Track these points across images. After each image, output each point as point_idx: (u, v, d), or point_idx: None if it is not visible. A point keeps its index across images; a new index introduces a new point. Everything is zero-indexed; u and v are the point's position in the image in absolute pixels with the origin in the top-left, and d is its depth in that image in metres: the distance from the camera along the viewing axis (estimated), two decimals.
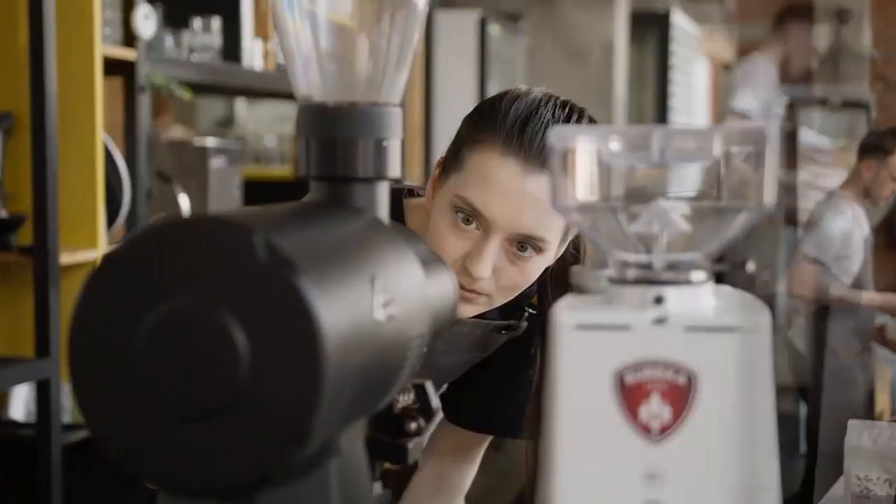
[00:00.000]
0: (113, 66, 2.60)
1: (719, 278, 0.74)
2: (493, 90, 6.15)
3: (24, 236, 2.37)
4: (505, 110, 1.27)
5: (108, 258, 0.63)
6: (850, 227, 4.46)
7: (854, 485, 1.93)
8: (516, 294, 1.31)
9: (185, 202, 2.94)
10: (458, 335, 1.41)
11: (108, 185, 2.53)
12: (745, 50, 9.75)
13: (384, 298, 0.69)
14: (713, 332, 0.67)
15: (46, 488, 2.32)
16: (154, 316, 0.61)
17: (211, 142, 3.18)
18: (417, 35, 0.84)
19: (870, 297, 4.53)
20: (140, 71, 2.62)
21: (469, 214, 1.25)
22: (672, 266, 0.71)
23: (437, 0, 4.82)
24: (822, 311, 4.48)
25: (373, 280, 0.68)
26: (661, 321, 0.68)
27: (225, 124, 5.31)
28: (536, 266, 1.29)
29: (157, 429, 0.61)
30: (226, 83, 3.15)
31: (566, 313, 0.69)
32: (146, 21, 2.61)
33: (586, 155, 0.71)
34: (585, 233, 0.72)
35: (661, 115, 7.32)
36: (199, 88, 3.20)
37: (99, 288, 0.63)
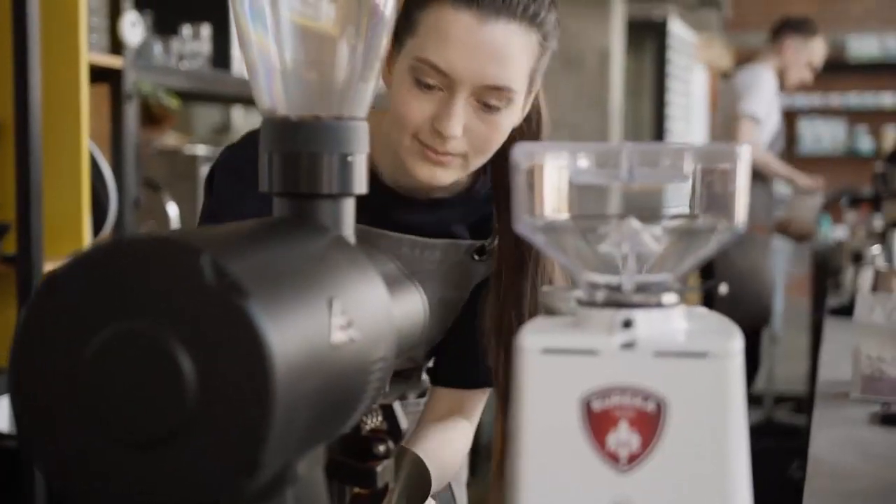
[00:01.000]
0: (100, 74, 2.57)
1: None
2: None
3: (8, 245, 2.35)
4: None
5: (52, 278, 0.61)
6: (775, 92, 4.56)
7: (865, 365, 1.84)
8: (490, 153, 1.28)
9: (173, 211, 2.91)
10: (432, 263, 1.37)
11: (94, 193, 2.50)
12: (742, 58, 9.75)
13: (343, 321, 0.67)
14: (683, 357, 0.65)
15: (31, 499, 2.29)
16: (99, 339, 0.59)
17: (202, 150, 3.16)
18: (384, 44, 0.82)
19: (782, 166, 4.69)
20: (127, 78, 2.60)
21: (430, 75, 1.22)
22: (642, 287, 0.69)
23: None
24: None
25: (331, 302, 0.66)
26: (629, 346, 0.66)
27: (221, 131, 5.29)
28: (506, 120, 1.26)
29: (101, 455, 0.59)
30: (215, 91, 3.13)
31: (531, 337, 0.67)
32: (133, 28, 2.59)
33: (553, 172, 0.69)
34: (552, 253, 0.70)
35: (659, 123, 7.30)
36: (189, 96, 3.18)
37: (43, 309, 0.60)
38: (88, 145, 2.46)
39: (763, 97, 4.47)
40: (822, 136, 9.91)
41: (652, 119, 7.28)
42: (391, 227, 1.36)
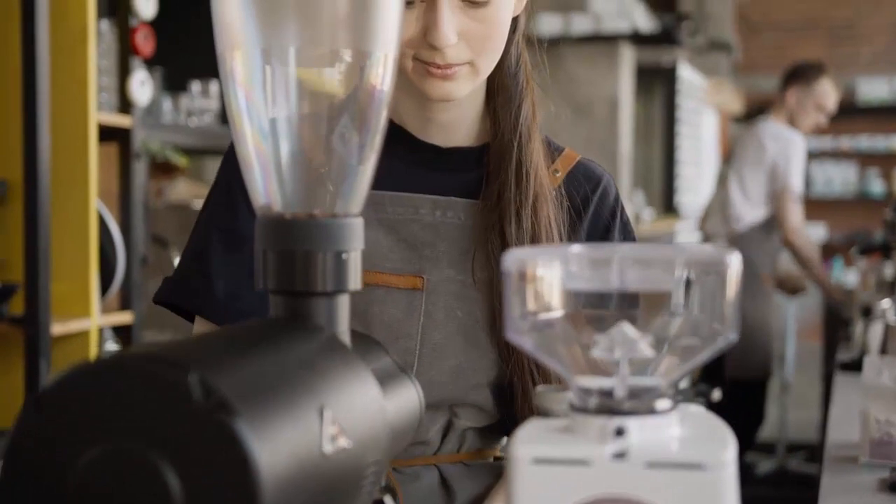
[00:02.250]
0: (109, 133, 2.59)
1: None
2: None
3: (16, 306, 2.35)
4: None
5: (40, 396, 0.61)
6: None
7: (873, 429, 1.80)
8: (496, 52, 1.20)
9: None
10: (454, 227, 1.26)
11: (102, 252, 2.51)
12: (752, 101, 9.78)
13: (334, 430, 0.66)
14: (676, 468, 0.64)
15: None
16: (86, 459, 0.59)
17: None
18: (378, 140, 0.82)
19: (821, 268, 4.70)
20: (135, 137, 2.61)
21: None
22: (635, 394, 0.68)
23: None
24: (746, 235, 4.52)
25: (322, 411, 0.66)
26: (621, 456, 0.65)
27: None
28: (500, 12, 1.18)
29: None
30: (223, 147, 3.14)
31: (523, 446, 0.66)
32: (142, 87, 2.60)
33: (543, 278, 0.69)
34: (543, 358, 0.69)
35: (668, 168, 7.30)
36: (198, 150, 3.20)
37: (30, 427, 0.60)
38: (97, 205, 2.47)
39: (802, 168, 4.50)
40: (833, 178, 9.90)
41: (662, 164, 7.29)
42: (411, 188, 1.27)
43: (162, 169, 3.35)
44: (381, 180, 1.27)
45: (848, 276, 8.74)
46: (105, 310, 2.61)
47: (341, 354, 0.74)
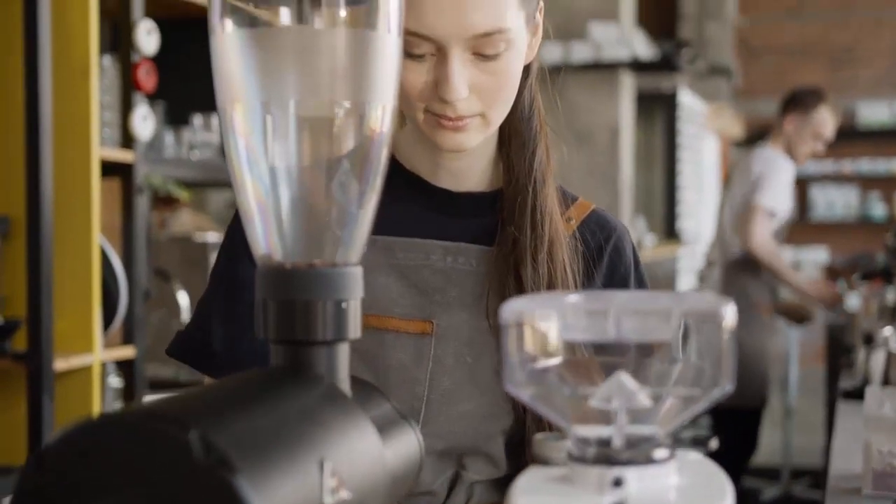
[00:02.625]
0: (111, 168, 2.60)
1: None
2: None
3: (19, 342, 2.36)
4: None
5: (41, 454, 0.61)
6: (791, 181, 4.53)
7: (876, 460, 1.79)
8: (508, 102, 1.19)
9: (184, 300, 2.93)
10: (466, 273, 1.24)
11: (104, 287, 2.52)
12: (752, 125, 9.80)
13: (334, 482, 0.67)
14: None
15: None
16: None
17: (213, 237, 3.18)
18: (377, 188, 0.83)
19: (792, 275, 4.63)
20: (138, 172, 2.62)
21: (416, 45, 1.13)
22: (632, 443, 0.69)
23: None
24: (740, 262, 4.51)
25: (321, 464, 0.66)
26: None
27: (233, 206, 5.32)
28: (512, 64, 1.16)
29: None
30: (225, 180, 3.16)
31: (522, 497, 0.67)
32: (144, 122, 2.62)
33: (541, 328, 0.69)
34: (540, 408, 0.70)
35: (670, 193, 7.32)
36: (200, 182, 3.21)
37: (33, 485, 0.61)
38: (99, 241, 2.48)
39: (781, 189, 4.47)
40: (834, 202, 9.92)
41: (663, 190, 7.31)
42: (423, 234, 1.27)
43: (165, 200, 3.37)
44: (394, 226, 1.28)
45: (850, 299, 8.75)
46: (107, 344, 2.61)
47: (341, 404, 0.74)
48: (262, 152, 0.79)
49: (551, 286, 1.22)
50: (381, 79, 0.80)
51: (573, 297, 0.72)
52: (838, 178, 9.96)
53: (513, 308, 0.70)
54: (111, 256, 2.54)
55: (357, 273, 0.81)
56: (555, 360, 0.71)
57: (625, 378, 0.69)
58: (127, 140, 2.62)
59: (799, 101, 4.57)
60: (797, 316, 4.98)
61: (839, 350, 4.65)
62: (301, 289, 0.78)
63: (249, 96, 0.78)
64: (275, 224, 0.80)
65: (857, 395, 2.78)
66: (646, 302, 0.70)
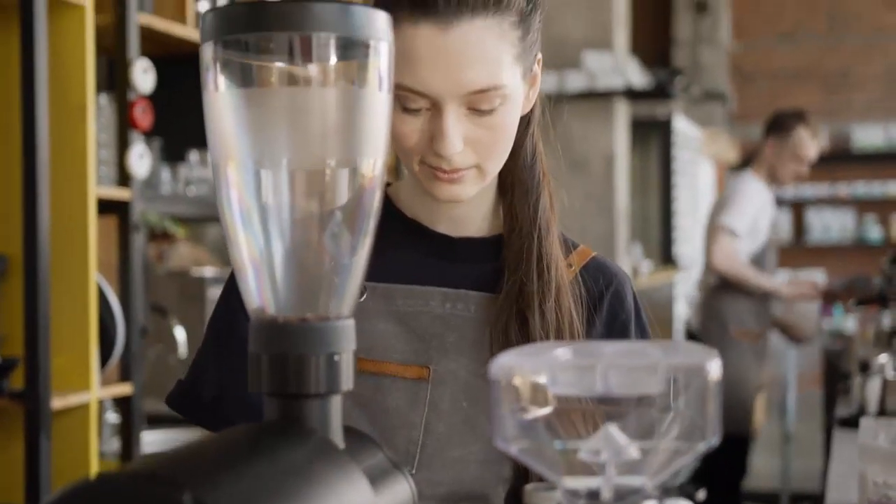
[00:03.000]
0: (108, 205, 2.61)
1: None
2: None
3: (16, 380, 2.37)
4: None
5: None
6: (763, 204, 4.51)
7: (871, 491, 1.79)
8: (503, 154, 1.20)
9: (181, 335, 2.93)
10: (465, 319, 1.25)
11: (101, 324, 2.53)
12: (748, 150, 9.85)
13: None
14: None
15: None
16: None
17: (210, 271, 3.19)
18: (369, 239, 0.84)
19: (763, 278, 4.47)
20: (134, 209, 2.64)
21: (412, 100, 1.14)
22: (621, 495, 0.70)
23: None
24: (719, 287, 4.48)
25: None
26: None
27: None
28: (507, 117, 1.17)
29: None
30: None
31: None
32: (141, 160, 2.63)
33: (530, 384, 0.70)
34: (529, 461, 0.71)
35: (666, 219, 7.34)
36: (197, 218, 3.22)
37: None
38: (96, 278, 2.49)
39: (745, 210, 4.44)
40: (830, 225, 9.95)
41: (659, 215, 7.33)
42: (423, 280, 1.27)
43: (163, 234, 3.38)
44: (394, 272, 1.28)
45: (847, 322, 8.75)
46: (105, 381, 2.62)
47: (333, 458, 0.75)
48: (255, 208, 0.80)
49: (559, 334, 1.22)
50: (373, 135, 0.82)
51: (562, 352, 0.73)
52: (834, 202, 9.99)
53: (502, 364, 0.71)
54: (108, 294, 2.55)
55: (349, 326, 0.82)
56: (544, 413, 0.72)
57: (613, 430, 0.70)
58: (123, 178, 2.64)
59: (777, 124, 4.56)
60: (796, 335, 4.97)
61: (836, 375, 4.66)
62: (293, 343, 0.79)
63: (242, 154, 0.79)
64: (267, 278, 0.81)
65: (853, 422, 2.79)
66: (633, 356, 0.71)
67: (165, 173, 2.92)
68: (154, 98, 2.74)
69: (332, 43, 0.78)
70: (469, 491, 1.24)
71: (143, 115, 2.62)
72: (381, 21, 0.80)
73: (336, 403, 0.81)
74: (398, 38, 1.14)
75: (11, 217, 2.42)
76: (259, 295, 0.82)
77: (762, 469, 6.52)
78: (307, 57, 0.79)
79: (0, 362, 2.35)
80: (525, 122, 1.25)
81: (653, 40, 9.51)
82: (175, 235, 3.28)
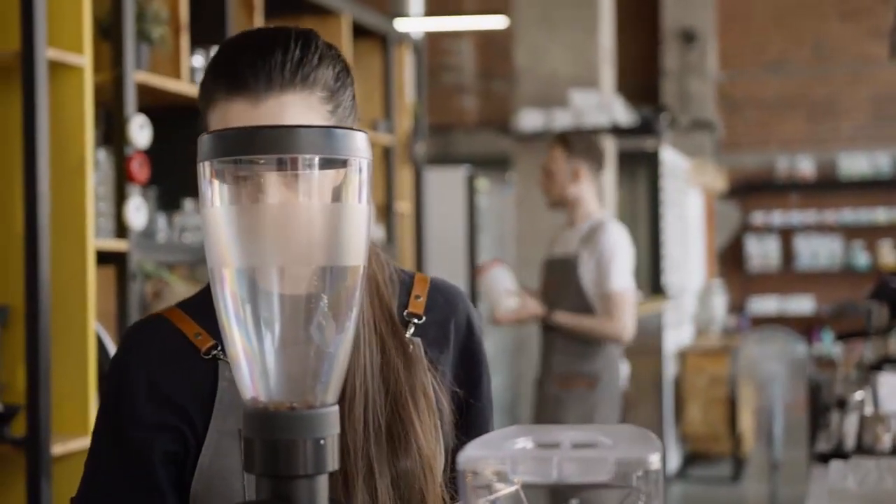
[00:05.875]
0: (106, 256, 2.70)
1: None
2: (483, 242, 6.30)
3: (17, 427, 2.45)
4: (216, 58, 1.26)
5: None
6: None
7: None
8: None
9: None
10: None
11: (100, 371, 2.61)
12: (736, 179, 9.96)
13: None
14: None
15: None
16: None
17: None
18: (350, 336, 0.93)
19: (563, 316, 3.88)
20: (131, 259, 2.73)
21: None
22: None
23: (429, 157, 4.96)
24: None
25: None
26: None
27: None
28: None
29: None
30: None
31: None
32: (138, 213, 2.72)
33: (492, 473, 0.79)
34: None
35: (655, 249, 7.43)
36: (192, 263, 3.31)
37: None
38: (95, 327, 2.58)
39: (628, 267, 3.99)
40: (818, 252, 10.06)
41: (648, 246, 7.42)
42: None
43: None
44: None
45: (835, 348, 8.84)
46: None
47: None
48: (247, 308, 0.90)
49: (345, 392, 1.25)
50: (353, 240, 0.91)
51: (521, 443, 0.82)
52: (822, 229, 10.11)
53: (469, 456, 0.80)
54: (106, 342, 2.63)
55: (333, 412, 0.91)
56: (507, 494, 0.81)
57: None
58: (121, 230, 2.73)
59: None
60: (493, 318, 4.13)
61: (820, 404, 4.72)
62: (283, 429, 0.89)
63: (237, 263, 0.89)
64: (259, 371, 0.90)
65: (831, 457, 2.86)
66: (584, 452, 0.80)
67: (161, 221, 3.01)
68: (150, 149, 2.83)
69: (316, 162, 0.88)
70: None
71: (139, 169, 2.72)
72: (359, 141, 0.90)
73: (323, 483, 0.90)
74: (218, 113, 1.24)
75: (13, 268, 2.50)
76: (252, 386, 0.91)
77: (751, 496, 6.60)
78: (294, 175, 0.88)
79: (2, 410, 2.43)
80: None
81: (641, 71, 9.64)
82: (169, 283, 3.36)
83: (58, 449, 2.45)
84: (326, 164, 0.89)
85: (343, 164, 0.90)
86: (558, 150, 3.94)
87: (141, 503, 1.26)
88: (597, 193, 4.01)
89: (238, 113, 1.22)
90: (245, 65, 1.22)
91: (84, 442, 2.55)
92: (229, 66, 1.23)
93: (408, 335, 1.32)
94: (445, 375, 1.34)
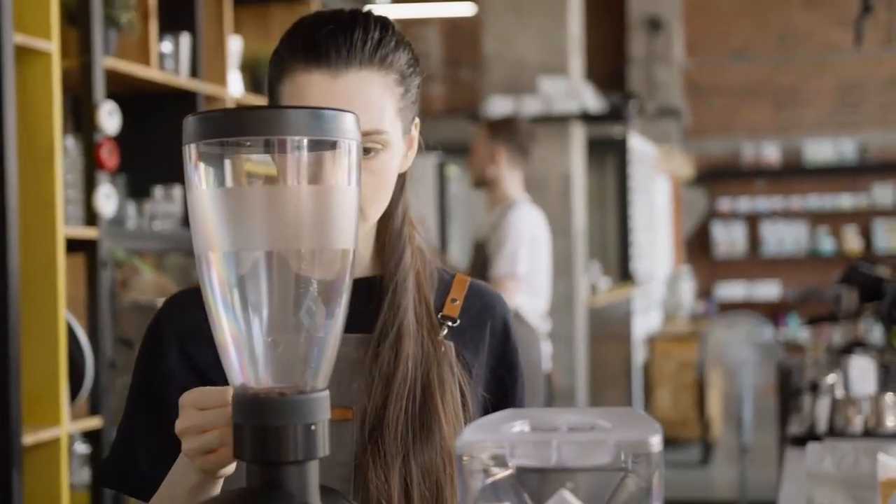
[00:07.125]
0: (76, 244, 2.67)
1: None
2: (453, 230, 6.29)
3: None
4: (293, 31, 1.26)
5: None
6: None
7: None
8: (384, 200, 1.26)
9: None
10: (349, 361, 1.26)
11: (71, 360, 2.58)
12: (702, 165, 9.99)
13: None
14: None
15: None
16: None
17: None
18: (341, 316, 0.92)
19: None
20: (102, 247, 2.69)
21: None
22: None
23: None
24: None
25: None
26: None
27: (194, 266, 5.36)
28: (387, 164, 1.24)
29: None
30: (187, 248, 3.23)
31: None
32: (107, 200, 2.69)
33: (490, 457, 0.78)
34: None
35: (623, 235, 7.45)
36: (162, 251, 3.28)
37: None
38: (65, 315, 2.55)
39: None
40: (784, 238, 10.12)
41: (616, 233, 7.44)
42: None
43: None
44: None
45: (802, 332, 8.90)
46: (74, 415, 2.67)
47: None
48: (235, 292, 0.88)
49: (391, 375, 1.25)
50: (342, 223, 0.89)
51: (518, 427, 0.81)
52: (788, 215, 10.17)
53: (466, 440, 0.78)
54: (77, 330, 2.60)
55: (324, 398, 0.89)
56: (504, 478, 0.80)
57: (567, 495, 0.78)
58: (91, 217, 2.69)
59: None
60: None
61: (790, 389, 4.74)
62: (273, 415, 0.87)
63: (223, 246, 0.87)
64: (248, 356, 0.89)
65: (804, 440, 2.87)
66: (584, 435, 0.79)
67: (131, 209, 2.98)
68: (119, 136, 2.79)
69: (305, 144, 0.86)
70: None
71: (109, 156, 2.68)
72: (348, 122, 0.88)
73: (313, 469, 0.89)
74: (293, 85, 1.24)
75: None
76: (241, 372, 0.89)
77: (720, 480, 6.64)
78: (282, 157, 0.86)
79: None
80: (400, 183, 1.32)
81: (608, 59, 9.64)
82: (140, 270, 3.33)
83: (28, 439, 2.42)
84: (315, 145, 0.88)
85: (332, 145, 0.88)
86: (480, 131, 4.11)
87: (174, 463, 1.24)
88: (518, 179, 4.07)
89: (316, 84, 1.22)
90: (326, 37, 1.22)
91: (55, 432, 2.52)
92: (309, 38, 1.23)
93: (440, 337, 1.31)
94: (479, 379, 1.33)
